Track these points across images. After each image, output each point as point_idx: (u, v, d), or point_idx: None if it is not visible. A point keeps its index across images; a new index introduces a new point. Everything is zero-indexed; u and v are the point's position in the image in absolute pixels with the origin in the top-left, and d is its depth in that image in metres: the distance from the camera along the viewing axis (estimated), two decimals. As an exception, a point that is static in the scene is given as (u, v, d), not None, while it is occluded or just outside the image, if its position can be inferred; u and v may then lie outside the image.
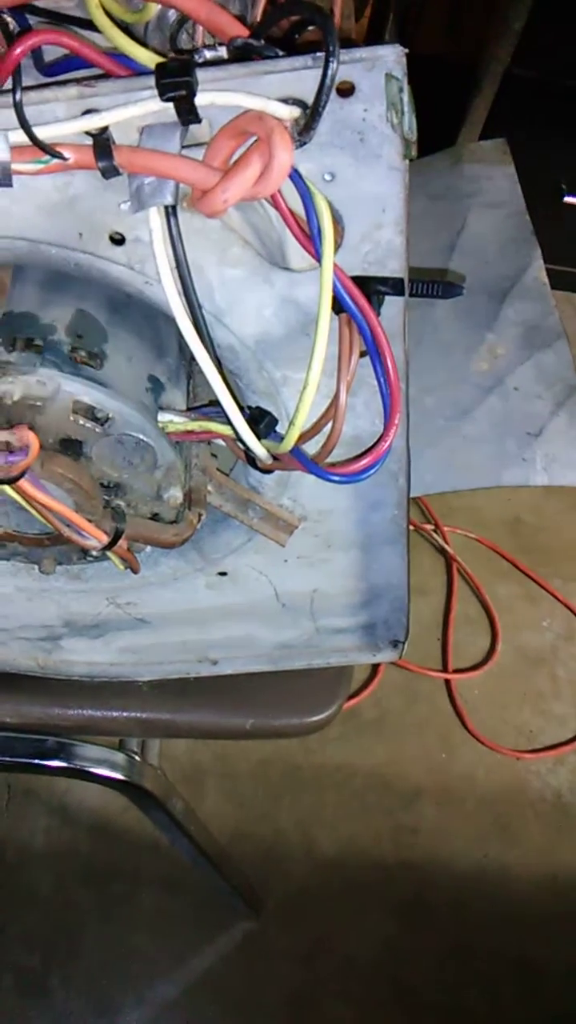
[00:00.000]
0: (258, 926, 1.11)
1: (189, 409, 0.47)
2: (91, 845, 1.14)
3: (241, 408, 0.43)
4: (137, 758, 0.68)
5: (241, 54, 0.33)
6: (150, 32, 0.40)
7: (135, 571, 0.54)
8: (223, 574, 0.59)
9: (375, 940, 1.13)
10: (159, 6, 0.37)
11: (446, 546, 1.48)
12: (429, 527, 1.50)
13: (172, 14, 0.39)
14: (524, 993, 1.11)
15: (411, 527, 1.45)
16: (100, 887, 1.12)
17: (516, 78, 1.41)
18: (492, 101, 1.40)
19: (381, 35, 1.91)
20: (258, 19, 0.43)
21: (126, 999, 1.06)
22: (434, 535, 1.50)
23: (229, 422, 0.44)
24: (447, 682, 1.35)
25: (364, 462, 0.42)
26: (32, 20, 0.39)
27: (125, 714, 0.66)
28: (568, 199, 1.44)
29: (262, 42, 0.33)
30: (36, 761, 0.64)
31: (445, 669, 1.36)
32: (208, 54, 0.34)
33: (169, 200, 0.33)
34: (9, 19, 0.36)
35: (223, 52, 0.34)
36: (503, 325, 0.60)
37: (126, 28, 0.40)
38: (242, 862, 1.11)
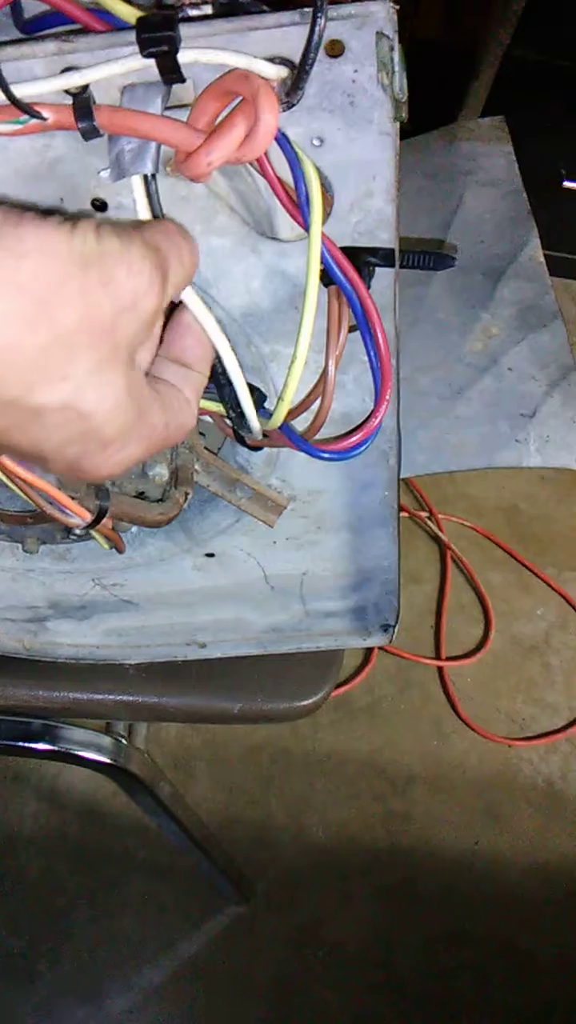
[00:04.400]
0: (247, 911, 1.11)
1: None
2: (80, 829, 1.14)
3: (226, 383, 0.42)
4: (124, 741, 0.67)
5: (227, 10, 0.32)
6: (136, -9, 0.38)
7: (120, 551, 0.53)
8: (211, 555, 0.58)
9: (364, 926, 1.13)
10: (144, -37, 0.36)
11: (440, 533, 1.47)
12: (423, 514, 1.49)
13: (159, -29, 0.38)
14: (513, 980, 1.12)
15: (405, 514, 1.45)
16: (89, 871, 1.12)
17: (516, 60, 1.39)
18: (491, 83, 1.38)
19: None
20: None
21: (114, 983, 1.06)
22: (428, 522, 1.49)
23: (221, 397, 0.43)
24: (440, 669, 1.35)
25: (354, 439, 0.41)
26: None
27: (112, 697, 0.65)
28: (568, 184, 1.43)
29: (249, -2, 0.32)
30: (21, 744, 0.63)
31: (438, 656, 1.36)
32: (192, 12, 0.33)
33: (149, 168, 0.32)
34: (-13, -27, 0.34)
35: (207, 8, 0.33)
36: (498, 305, 0.59)
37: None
38: (232, 847, 1.11)
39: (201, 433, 0.52)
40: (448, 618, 1.40)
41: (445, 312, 0.58)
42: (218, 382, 0.42)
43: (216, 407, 0.44)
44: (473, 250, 0.62)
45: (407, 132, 0.83)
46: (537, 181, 0.79)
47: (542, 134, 1.30)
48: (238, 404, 0.42)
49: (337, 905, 1.14)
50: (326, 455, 0.40)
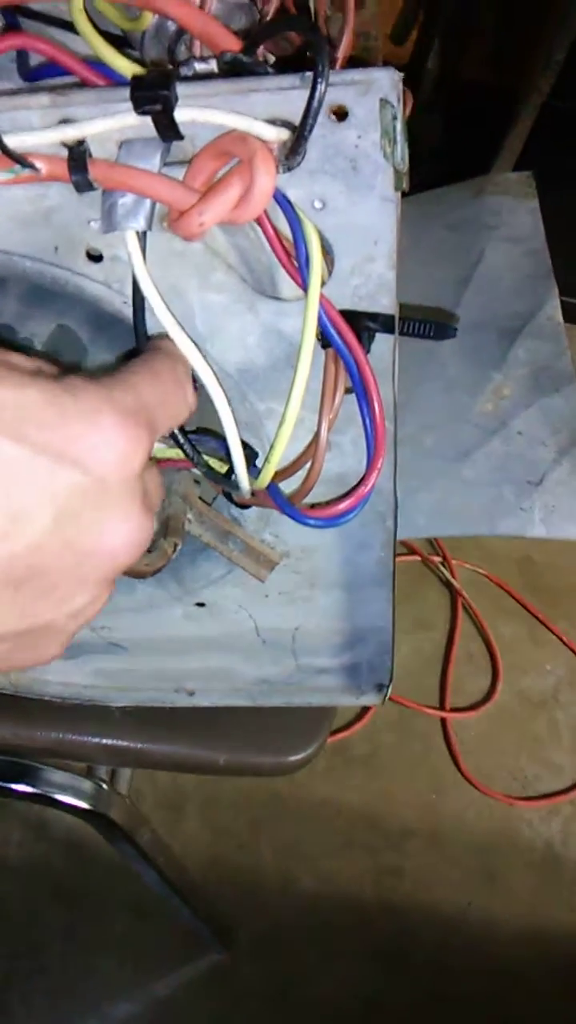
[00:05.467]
0: (228, 960, 1.08)
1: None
2: (65, 862, 1.12)
3: (220, 437, 0.41)
4: (105, 786, 0.66)
5: (231, 69, 0.31)
6: (148, 41, 0.38)
7: (105, 598, 0.52)
8: (201, 605, 0.57)
9: (348, 984, 1.09)
10: (156, 15, 0.36)
11: (452, 580, 1.45)
12: (436, 559, 1.47)
13: (171, 24, 0.37)
14: (500, 1052, 1.07)
15: (418, 558, 1.42)
16: (69, 906, 1.09)
17: (555, 111, 1.38)
18: (528, 132, 1.38)
19: (424, 60, 1.90)
20: (266, 35, 0.41)
21: (86, 1022, 1.04)
22: (441, 567, 1.47)
23: (217, 453, 0.42)
24: (443, 720, 1.32)
25: (342, 506, 0.39)
26: (26, 24, 0.37)
27: (95, 740, 0.64)
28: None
29: (253, 58, 0.31)
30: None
31: (442, 707, 1.33)
32: (199, 67, 0.32)
33: (142, 225, 0.31)
34: (-6, 20, 0.34)
35: (213, 66, 0.32)
36: (512, 365, 0.57)
37: (122, 36, 0.38)
38: (216, 892, 1.08)
39: (196, 482, 0.51)
40: (455, 668, 1.37)
41: (456, 369, 0.57)
42: (211, 437, 0.41)
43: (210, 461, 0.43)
44: (490, 307, 0.61)
45: (437, 178, 0.82)
46: (566, 230, 0.78)
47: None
48: (229, 460, 0.41)
49: (321, 960, 1.10)
50: (311, 521, 0.39)
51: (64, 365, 0.34)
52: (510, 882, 1.20)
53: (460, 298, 0.61)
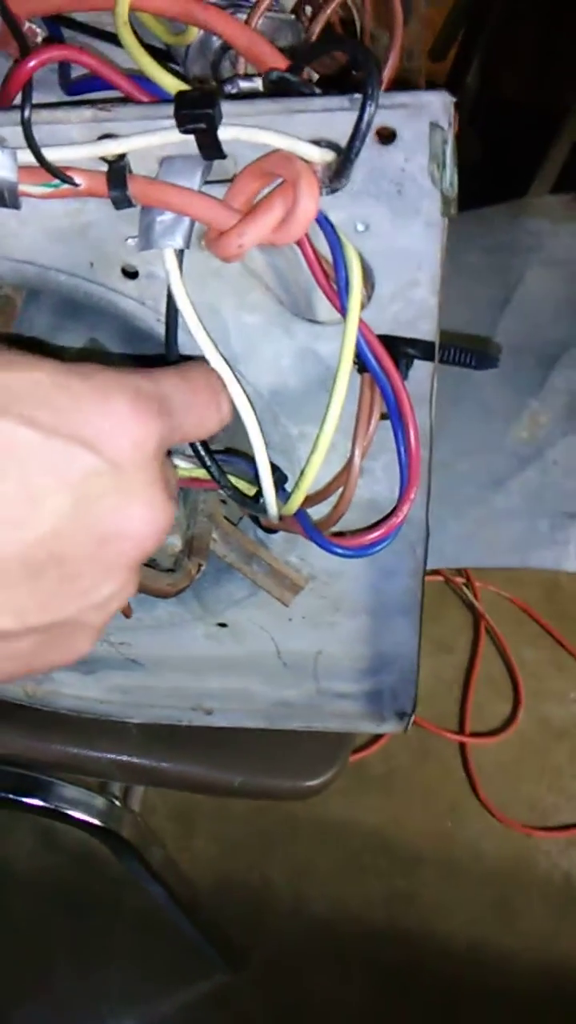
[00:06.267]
0: (234, 981, 1.06)
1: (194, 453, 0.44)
2: (74, 874, 1.11)
3: (250, 458, 0.40)
4: (117, 803, 0.65)
5: (276, 88, 0.30)
6: (192, 56, 0.37)
7: (126, 616, 0.51)
8: (223, 625, 0.56)
9: (356, 1011, 1.07)
10: (201, 30, 0.35)
11: (476, 602, 1.42)
12: (460, 580, 1.45)
13: (216, 40, 0.37)
14: None
15: (441, 579, 1.40)
16: (77, 918, 1.09)
17: (596, 132, 1.37)
18: (568, 154, 1.36)
19: (464, 77, 1.89)
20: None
21: (89, 1039, 1.03)
22: (464, 589, 1.45)
23: (246, 475, 0.41)
24: (462, 745, 1.29)
25: (373, 536, 0.38)
26: (68, 35, 0.37)
27: (109, 756, 0.63)
28: None
29: (300, 77, 0.30)
30: (12, 796, 0.61)
31: (461, 731, 1.31)
32: (243, 84, 0.32)
33: (180, 243, 0.30)
34: (38, 29, 0.33)
35: (258, 84, 0.31)
36: (549, 393, 0.56)
37: (166, 50, 0.37)
38: (225, 911, 1.06)
39: (223, 501, 0.50)
40: (476, 692, 1.35)
41: (492, 395, 0.56)
42: (241, 458, 0.40)
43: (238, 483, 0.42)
44: (528, 332, 0.59)
45: (475, 199, 0.81)
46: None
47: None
48: (257, 483, 0.40)
49: (328, 986, 1.08)
50: (339, 551, 0.38)
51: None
52: (525, 914, 1.17)
53: (497, 322, 0.60)
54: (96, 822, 0.63)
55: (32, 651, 0.28)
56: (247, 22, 0.34)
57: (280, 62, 0.31)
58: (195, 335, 0.34)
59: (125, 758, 0.63)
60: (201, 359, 0.35)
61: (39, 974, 1.05)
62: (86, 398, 0.26)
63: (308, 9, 0.43)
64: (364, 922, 1.13)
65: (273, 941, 1.10)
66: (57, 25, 0.35)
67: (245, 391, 0.38)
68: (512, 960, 1.14)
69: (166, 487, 0.29)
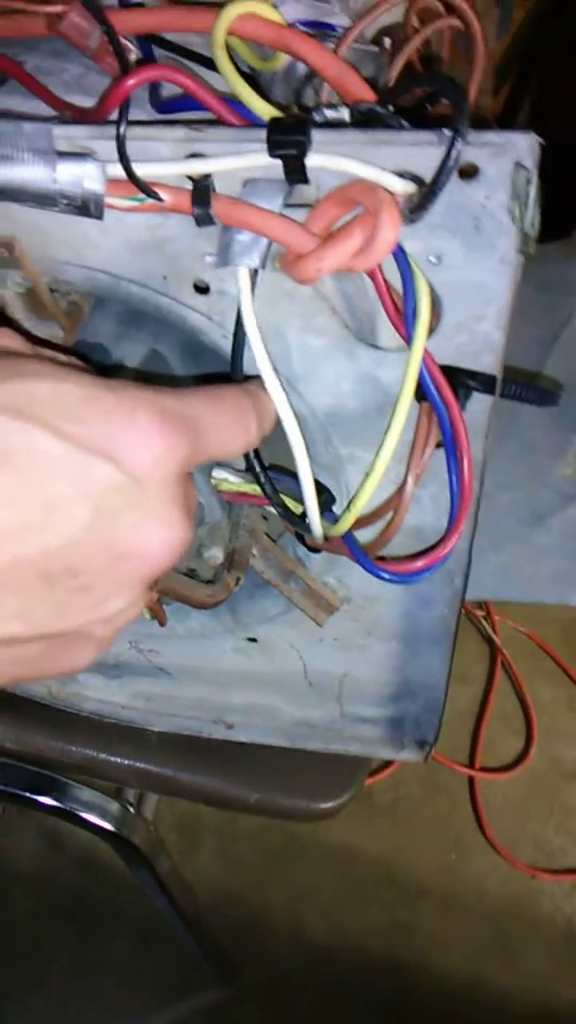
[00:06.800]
0: (229, 999, 1.05)
1: (247, 469, 0.45)
2: (76, 877, 1.11)
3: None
4: (131, 810, 0.65)
5: (364, 119, 0.31)
6: (277, 82, 0.38)
7: (161, 624, 0.52)
8: (253, 640, 0.56)
9: (348, 1041, 1.06)
10: (289, 57, 0.36)
11: (494, 636, 1.42)
12: (480, 613, 1.44)
13: (301, 68, 0.37)
14: None
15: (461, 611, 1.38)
16: (76, 922, 1.08)
17: None
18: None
19: (515, 114, 1.90)
20: (390, 83, 0.41)
21: (79, 1046, 1.02)
22: (483, 621, 1.44)
23: (295, 493, 0.42)
24: (471, 779, 1.28)
25: (419, 563, 0.38)
26: (158, 53, 0.38)
27: (127, 762, 0.63)
28: None
29: (389, 110, 0.31)
30: (27, 794, 0.62)
31: (472, 765, 1.30)
32: (329, 113, 0.32)
33: (257, 263, 0.31)
34: (132, 47, 0.34)
35: (345, 114, 0.32)
36: (595, 432, 0.56)
37: (252, 75, 0.38)
38: (224, 928, 1.06)
39: (264, 517, 0.50)
40: (488, 726, 1.34)
41: (537, 430, 0.56)
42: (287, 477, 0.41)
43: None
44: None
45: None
46: None
47: None
48: (302, 503, 0.40)
49: (323, 1013, 1.07)
50: (386, 575, 0.38)
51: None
52: (525, 956, 1.15)
53: (546, 359, 0.60)
54: (109, 827, 0.63)
55: (36, 657, 0.28)
56: (335, 52, 0.35)
57: (367, 93, 0.32)
58: (256, 354, 0.34)
59: (143, 765, 0.63)
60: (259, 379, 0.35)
61: (34, 977, 1.04)
62: (112, 412, 0.27)
63: (387, 41, 0.44)
64: (362, 950, 1.12)
65: (270, 962, 1.09)
66: (148, 44, 0.36)
67: (299, 411, 0.39)
68: (508, 1000, 1.12)
69: (185, 507, 0.29)
